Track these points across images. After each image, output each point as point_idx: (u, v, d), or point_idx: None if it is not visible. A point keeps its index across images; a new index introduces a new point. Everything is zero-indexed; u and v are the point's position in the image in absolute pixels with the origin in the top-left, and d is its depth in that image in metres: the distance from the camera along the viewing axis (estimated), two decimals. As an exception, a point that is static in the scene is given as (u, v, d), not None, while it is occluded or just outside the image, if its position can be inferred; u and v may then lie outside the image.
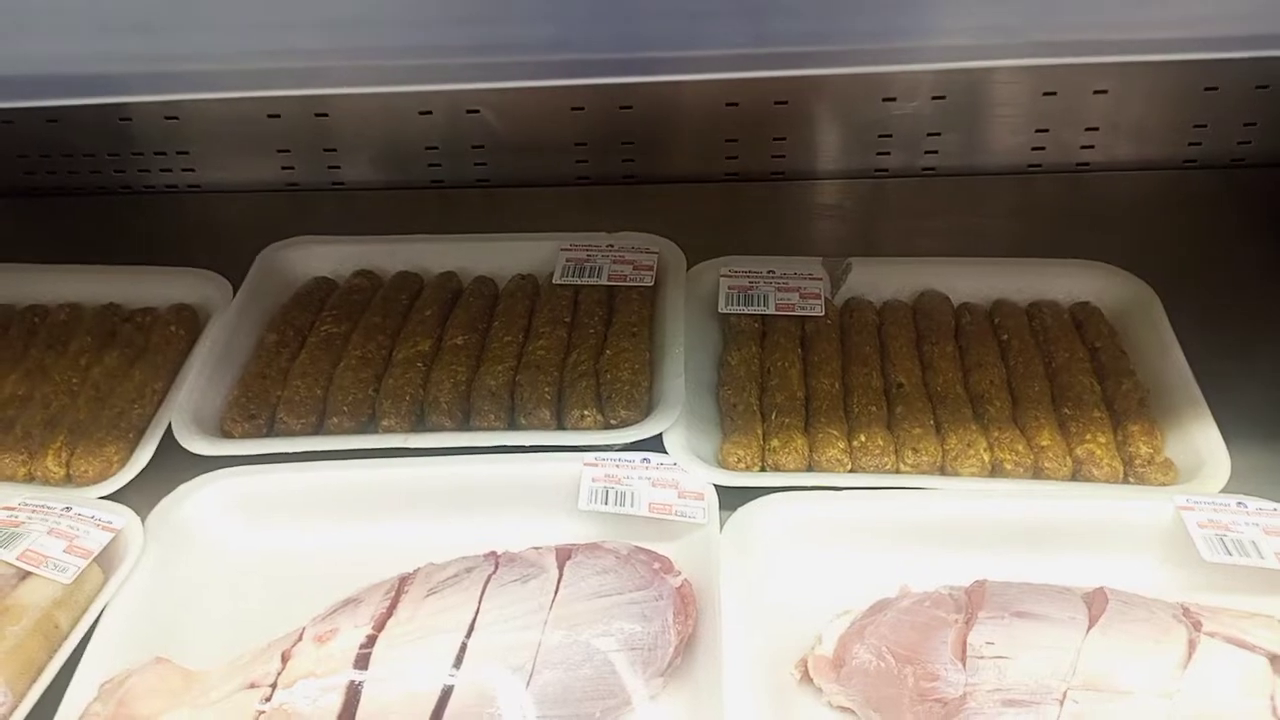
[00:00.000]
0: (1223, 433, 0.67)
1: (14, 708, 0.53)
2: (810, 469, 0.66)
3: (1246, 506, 0.60)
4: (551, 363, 0.73)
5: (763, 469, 0.67)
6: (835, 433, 0.68)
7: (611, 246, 0.83)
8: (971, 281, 0.80)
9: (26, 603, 0.56)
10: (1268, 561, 0.57)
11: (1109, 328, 0.76)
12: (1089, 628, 0.52)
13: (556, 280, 0.80)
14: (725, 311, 0.77)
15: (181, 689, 0.52)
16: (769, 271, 0.80)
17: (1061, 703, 0.50)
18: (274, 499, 0.64)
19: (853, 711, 0.54)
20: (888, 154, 0.96)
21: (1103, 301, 0.78)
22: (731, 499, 0.64)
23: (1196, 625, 0.52)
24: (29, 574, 0.58)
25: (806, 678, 0.55)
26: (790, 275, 0.80)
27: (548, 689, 0.51)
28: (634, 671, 0.53)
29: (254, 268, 0.82)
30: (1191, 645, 0.51)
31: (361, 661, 0.51)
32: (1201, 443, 0.66)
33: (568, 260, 0.82)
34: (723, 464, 0.67)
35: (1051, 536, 0.61)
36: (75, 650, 0.56)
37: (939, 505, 0.62)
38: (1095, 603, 0.54)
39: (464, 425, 0.70)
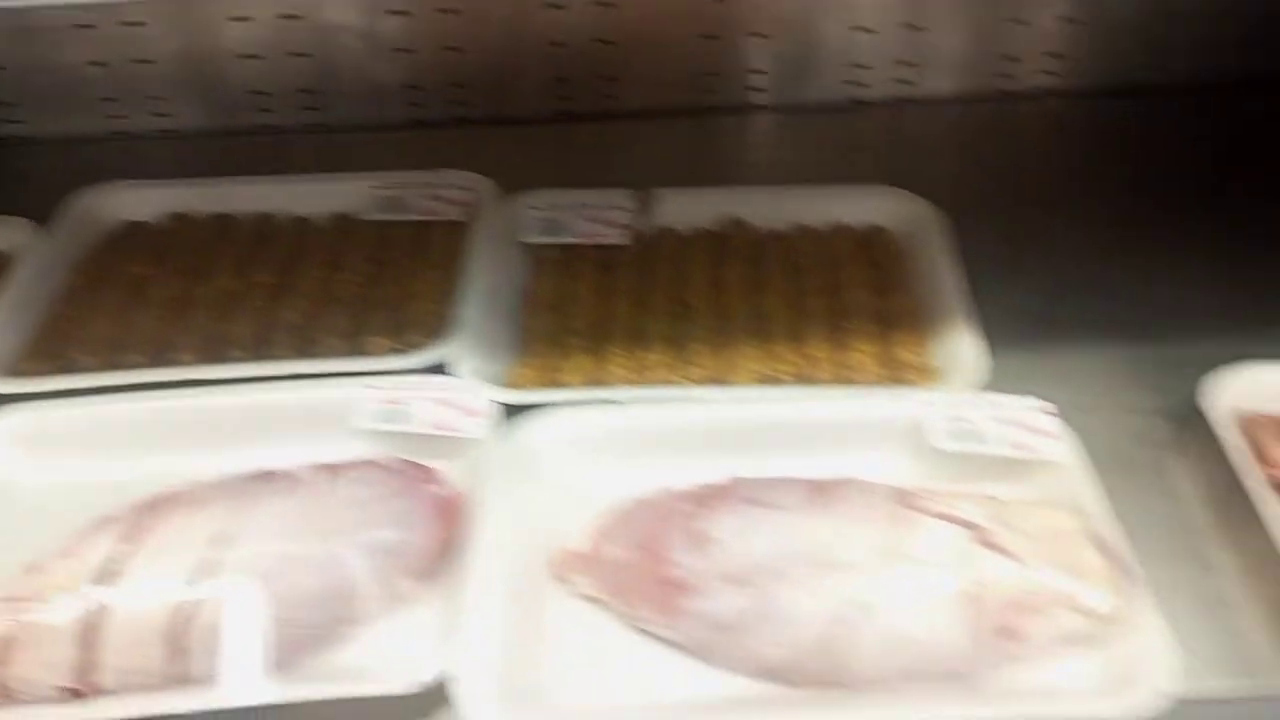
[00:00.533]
0: (992, 341, 0.71)
1: None
2: (595, 386, 0.69)
3: (990, 402, 0.64)
4: (355, 296, 0.75)
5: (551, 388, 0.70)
6: (623, 352, 0.71)
7: (426, 184, 0.84)
8: (775, 208, 0.83)
9: None
10: (995, 448, 0.61)
11: (896, 248, 0.79)
12: (814, 512, 0.56)
13: (369, 218, 0.82)
14: (531, 242, 0.80)
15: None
16: (577, 204, 0.82)
17: (780, 579, 0.53)
18: (61, 433, 0.65)
19: (601, 601, 0.57)
20: (714, 92, 0.99)
21: (893, 224, 0.81)
22: (520, 419, 0.67)
23: (912, 505, 0.56)
24: None
25: (559, 573, 0.58)
26: (598, 207, 0.82)
27: (301, 595, 0.53)
28: (390, 576, 0.56)
29: (63, 213, 0.82)
30: (905, 522, 0.55)
31: (109, 576, 0.52)
32: (965, 349, 0.69)
33: (381, 198, 0.84)
34: (511, 384, 0.69)
35: (813, 437, 0.64)
36: None
37: (706, 412, 0.65)
38: (825, 490, 0.58)
39: (260, 357, 0.71)
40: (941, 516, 0.55)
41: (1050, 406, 0.64)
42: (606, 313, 0.74)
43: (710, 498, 0.58)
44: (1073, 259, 0.80)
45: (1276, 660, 0.55)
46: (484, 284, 0.75)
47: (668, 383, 0.69)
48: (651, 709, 0.51)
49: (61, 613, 0.51)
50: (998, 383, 0.68)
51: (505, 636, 0.54)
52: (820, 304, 0.74)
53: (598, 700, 0.52)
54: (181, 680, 0.51)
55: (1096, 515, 0.58)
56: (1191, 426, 0.66)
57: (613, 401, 0.67)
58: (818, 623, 0.52)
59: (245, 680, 0.50)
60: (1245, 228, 0.82)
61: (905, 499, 0.57)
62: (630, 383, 0.69)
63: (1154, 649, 0.52)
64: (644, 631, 0.56)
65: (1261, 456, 0.61)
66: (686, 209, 0.83)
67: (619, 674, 0.54)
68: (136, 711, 0.50)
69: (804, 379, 0.69)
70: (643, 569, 0.56)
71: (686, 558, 0.55)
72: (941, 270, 0.76)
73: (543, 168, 0.92)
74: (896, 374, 0.70)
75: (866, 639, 0.52)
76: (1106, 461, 0.64)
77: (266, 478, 0.58)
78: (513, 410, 0.67)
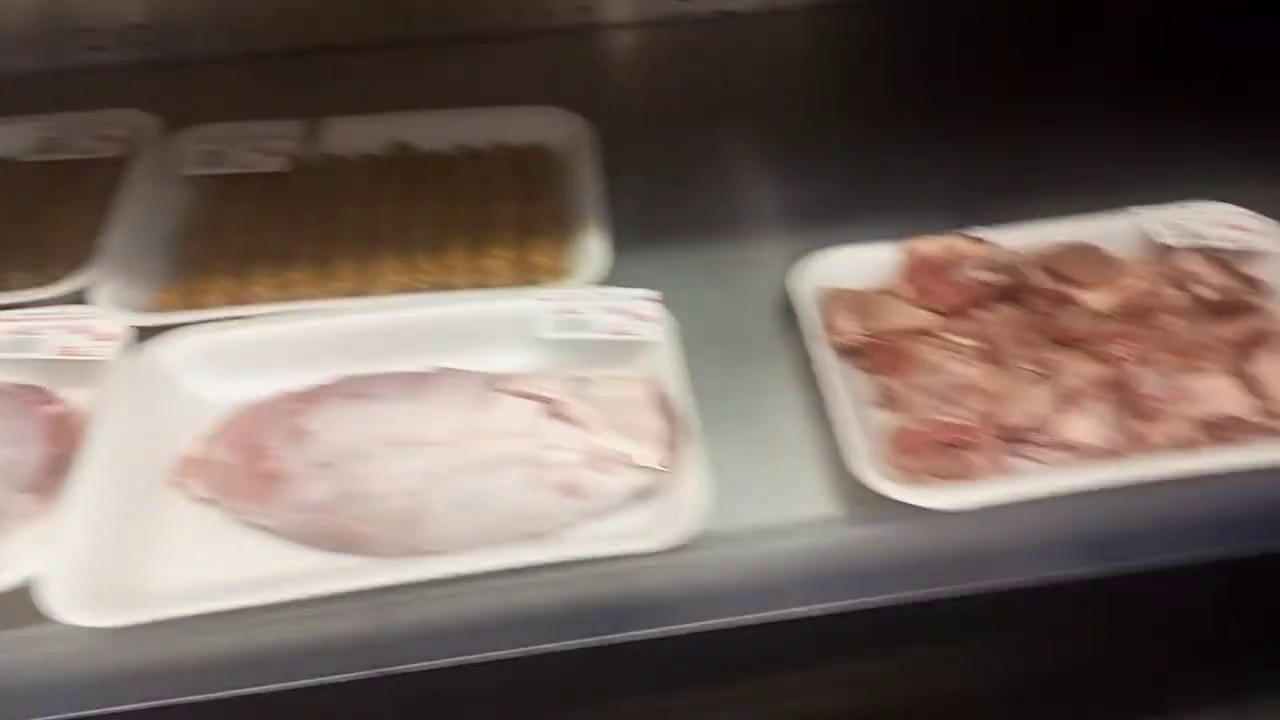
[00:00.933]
0: (627, 243, 0.76)
1: None
2: (234, 305, 0.72)
3: (600, 294, 0.70)
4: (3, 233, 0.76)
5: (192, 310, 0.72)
6: (268, 273, 0.74)
7: (88, 125, 0.84)
8: (440, 132, 0.86)
9: None
10: (596, 334, 0.67)
11: (551, 162, 0.84)
12: (406, 400, 0.61)
13: (26, 159, 0.82)
14: (193, 174, 0.82)
15: None
16: (240, 136, 0.84)
17: (364, 460, 0.58)
18: None
19: (212, 500, 0.61)
20: (401, 24, 1.01)
21: (551, 142, 0.86)
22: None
23: (497, 387, 0.62)
24: None
25: (175, 479, 0.62)
26: (261, 138, 0.84)
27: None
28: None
29: None
30: (486, 402, 0.61)
31: None
32: (592, 250, 0.75)
33: (41, 139, 0.83)
34: (154, 309, 0.71)
35: (440, 338, 0.68)
36: None
37: (333, 322, 0.68)
38: (421, 380, 0.63)
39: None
40: (520, 395, 0.61)
41: (654, 295, 0.71)
42: (258, 237, 0.77)
43: (316, 395, 0.62)
44: (710, 169, 0.86)
45: (819, 500, 0.63)
46: (135, 215, 0.76)
47: (306, 298, 0.73)
48: (230, 588, 0.55)
49: None
50: (625, 279, 0.74)
51: (108, 540, 0.57)
52: (466, 217, 0.78)
53: (188, 588, 0.56)
54: None
55: (673, 386, 0.65)
56: (783, 306, 0.74)
57: (248, 318, 0.70)
58: (395, 497, 0.57)
59: None
60: (854, 137, 0.91)
61: (492, 383, 0.62)
62: (270, 300, 0.72)
63: (697, 495, 0.59)
64: (250, 524, 0.60)
65: (828, 326, 0.70)
66: (353, 136, 0.86)
67: (220, 566, 0.58)
68: None
69: (441, 286, 0.74)
70: (244, 466, 0.60)
71: (282, 450, 0.59)
72: (585, 182, 0.81)
73: (222, 105, 0.92)
74: (529, 276, 0.75)
75: (440, 508, 0.57)
76: (710, 341, 0.71)
77: None
78: (152, 333, 0.70)
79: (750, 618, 0.61)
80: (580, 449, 0.59)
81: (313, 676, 0.58)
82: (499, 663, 0.59)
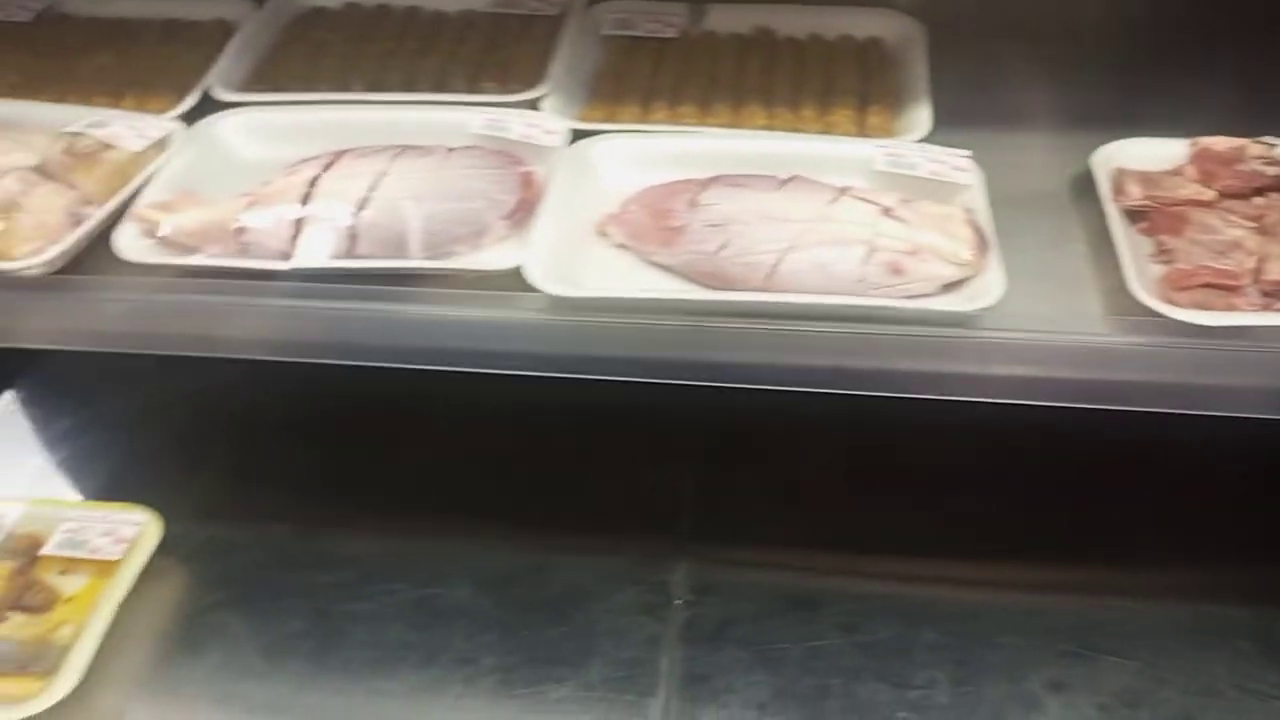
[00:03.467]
0: (941, 120, 0.93)
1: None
2: (640, 123, 0.95)
3: (925, 148, 0.87)
4: (471, 59, 1.03)
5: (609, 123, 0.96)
6: (664, 105, 0.97)
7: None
8: (797, 21, 1.07)
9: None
10: (918, 171, 0.84)
11: (887, 53, 1.03)
12: (775, 192, 0.81)
13: (485, 11, 1.10)
14: (607, 34, 1.06)
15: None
16: (644, 9, 1.08)
17: (745, 225, 0.79)
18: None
19: (626, 246, 0.84)
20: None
21: (887, 37, 1.05)
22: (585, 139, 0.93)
23: (844, 192, 0.81)
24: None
25: (600, 230, 0.85)
26: (660, 13, 1.08)
27: (435, 210, 0.82)
28: (490, 212, 0.83)
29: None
30: (836, 200, 0.80)
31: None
32: (918, 117, 0.92)
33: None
34: (583, 118, 0.96)
35: (797, 163, 0.87)
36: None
37: (717, 142, 0.91)
38: (787, 181, 0.83)
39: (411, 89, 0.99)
40: (862, 199, 0.80)
41: (967, 153, 0.87)
42: (656, 82, 1.00)
43: (706, 182, 0.84)
44: (1024, 71, 1.02)
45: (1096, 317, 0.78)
46: (568, 57, 1.02)
47: (694, 123, 0.94)
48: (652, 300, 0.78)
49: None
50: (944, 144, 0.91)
51: (563, 250, 0.81)
52: (814, 85, 0.98)
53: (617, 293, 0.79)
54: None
55: (979, 213, 0.81)
56: (1078, 182, 0.88)
57: (651, 133, 0.93)
58: (766, 255, 0.78)
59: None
60: (1160, 52, 1.04)
61: (841, 190, 0.81)
62: (666, 122, 0.95)
63: (994, 286, 0.75)
64: (653, 263, 0.82)
65: (1118, 191, 0.83)
66: (729, 18, 1.08)
67: (634, 286, 0.81)
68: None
69: (795, 131, 0.94)
70: (654, 222, 0.82)
71: (684, 213, 0.81)
72: (915, 68, 0.99)
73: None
74: (865, 134, 0.94)
75: (797, 265, 0.77)
76: (1014, 200, 0.86)
77: (413, 149, 0.87)
78: (581, 135, 0.94)
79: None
80: (906, 240, 0.77)
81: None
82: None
